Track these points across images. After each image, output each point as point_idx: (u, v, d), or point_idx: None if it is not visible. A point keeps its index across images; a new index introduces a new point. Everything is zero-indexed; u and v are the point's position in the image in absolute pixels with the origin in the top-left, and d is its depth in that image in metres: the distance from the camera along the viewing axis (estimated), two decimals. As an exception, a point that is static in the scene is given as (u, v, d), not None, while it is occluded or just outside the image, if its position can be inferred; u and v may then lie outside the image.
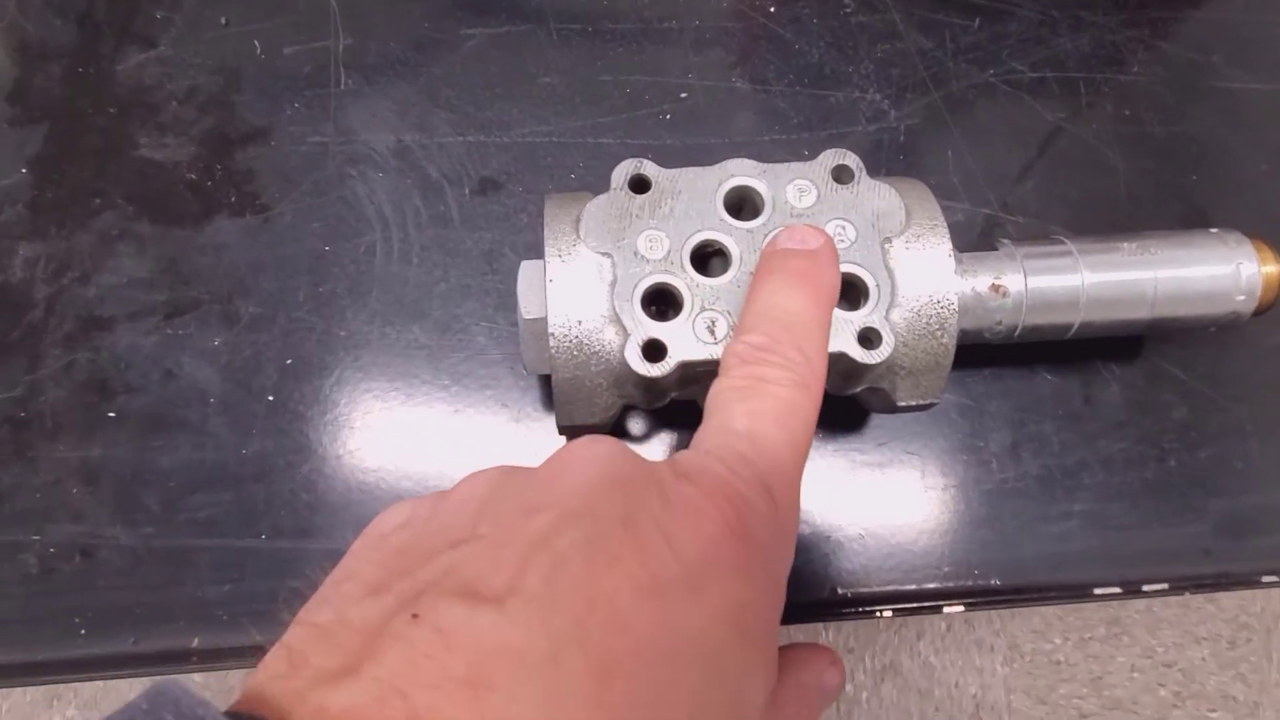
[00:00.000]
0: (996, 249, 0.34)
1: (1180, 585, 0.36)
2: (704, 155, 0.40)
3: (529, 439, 0.37)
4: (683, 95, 0.41)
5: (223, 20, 0.40)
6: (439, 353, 0.37)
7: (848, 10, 0.42)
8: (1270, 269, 0.33)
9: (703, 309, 0.29)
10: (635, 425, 0.37)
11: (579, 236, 0.30)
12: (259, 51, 0.40)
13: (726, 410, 0.23)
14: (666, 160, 0.39)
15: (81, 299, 0.37)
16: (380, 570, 0.20)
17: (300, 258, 0.38)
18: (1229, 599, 1.32)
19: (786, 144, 0.40)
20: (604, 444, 0.22)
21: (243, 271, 0.38)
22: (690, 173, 0.31)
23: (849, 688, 1.24)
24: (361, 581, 0.20)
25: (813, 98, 0.41)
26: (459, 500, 0.22)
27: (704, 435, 0.23)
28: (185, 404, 0.36)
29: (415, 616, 0.18)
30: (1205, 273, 0.33)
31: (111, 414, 0.36)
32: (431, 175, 0.39)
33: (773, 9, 0.42)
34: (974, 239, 0.40)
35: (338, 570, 0.21)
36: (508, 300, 0.38)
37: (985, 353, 0.37)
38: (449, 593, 0.18)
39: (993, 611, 1.28)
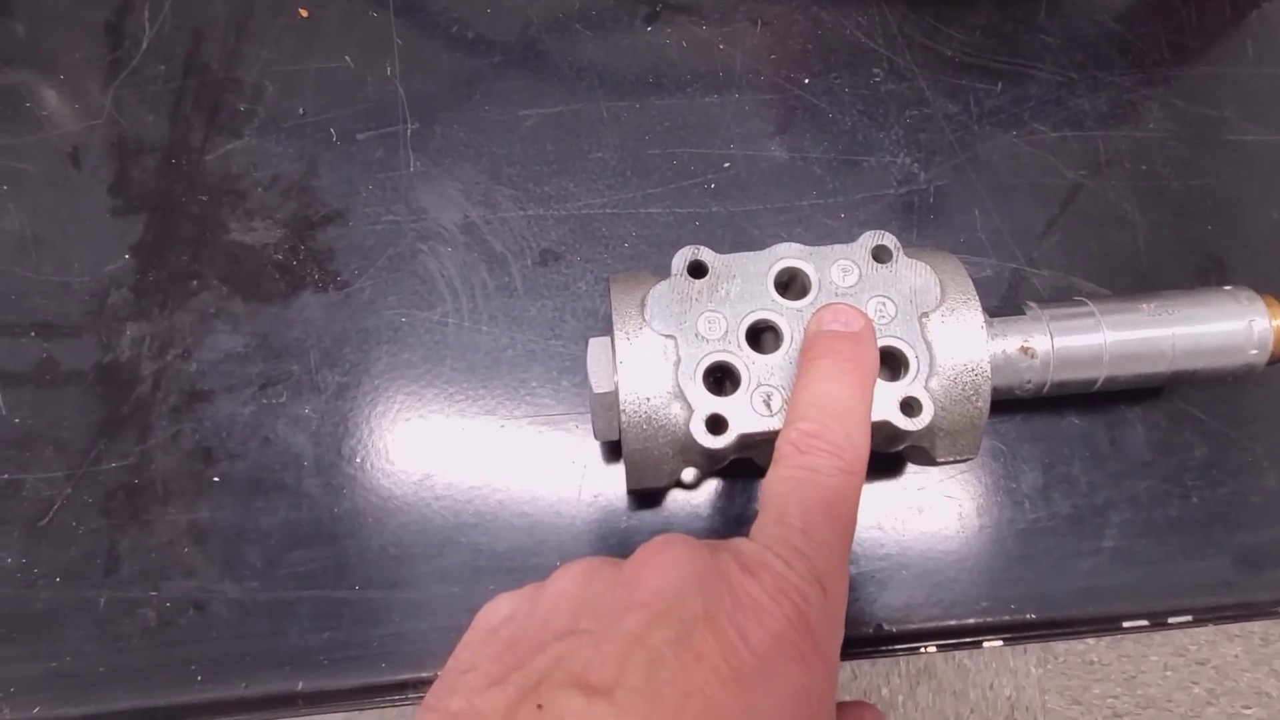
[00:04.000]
0: (1024, 312, 0.37)
1: (1203, 617, 0.39)
2: (747, 221, 0.43)
3: (596, 490, 0.40)
4: (726, 165, 0.44)
5: (300, 111, 0.44)
6: (509, 414, 0.41)
7: (877, 79, 0.45)
8: (1280, 324, 0.36)
9: (759, 384, 0.32)
10: (687, 473, 0.40)
11: (644, 320, 0.33)
12: (335, 139, 0.44)
13: (782, 503, 0.26)
14: (712, 226, 0.43)
15: (184, 374, 0.41)
16: (497, 663, 0.23)
17: (380, 329, 0.42)
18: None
19: (823, 208, 0.43)
20: (678, 546, 0.25)
21: (328, 343, 0.41)
22: (743, 257, 0.34)
23: (885, 691, 1.27)
24: (483, 673, 0.23)
25: (847, 163, 0.44)
26: (556, 595, 0.25)
27: (763, 526, 0.26)
28: (282, 468, 0.40)
29: (540, 707, 0.21)
30: (1220, 329, 0.36)
31: (216, 479, 0.40)
32: (496, 248, 0.43)
33: (807, 81, 0.45)
34: (1002, 292, 0.43)
35: (456, 660, 0.25)
36: (571, 364, 0.41)
37: (1016, 401, 0.39)
38: (563, 684, 0.21)
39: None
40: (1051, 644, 1.30)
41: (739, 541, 0.26)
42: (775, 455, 0.28)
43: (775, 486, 0.27)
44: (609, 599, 0.24)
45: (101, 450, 0.40)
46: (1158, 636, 1.31)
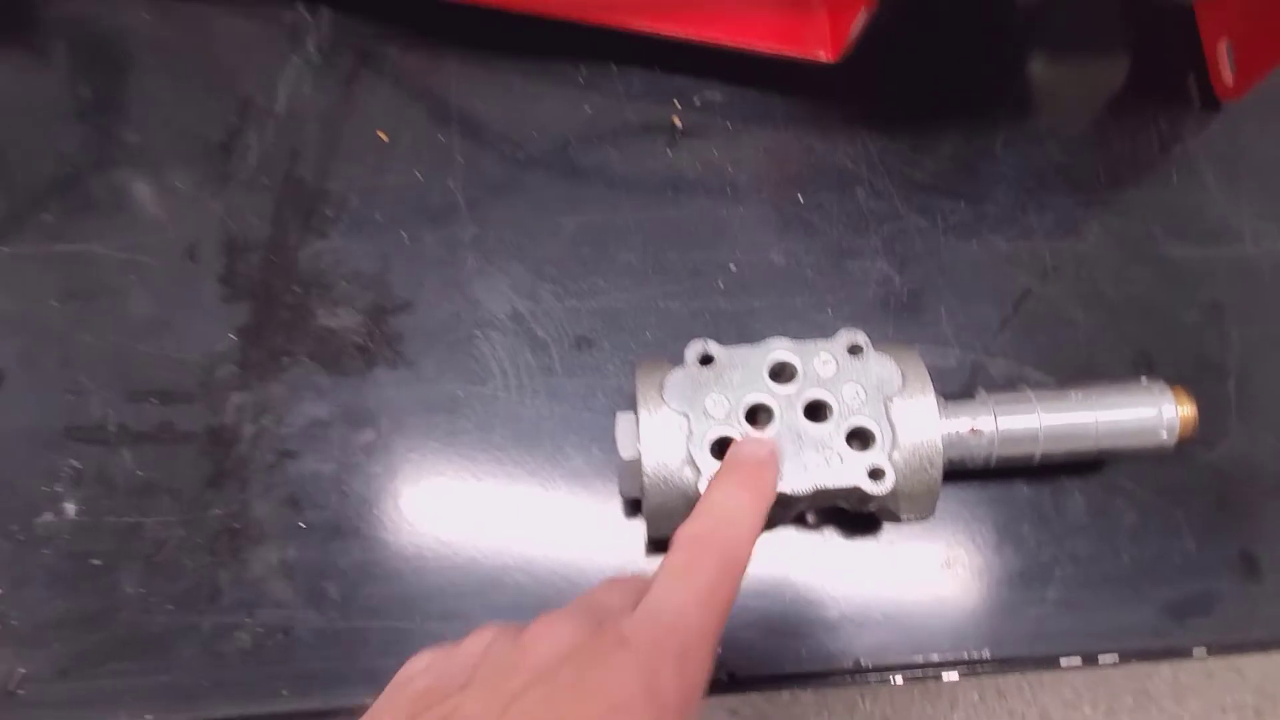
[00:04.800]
0: (974, 397, 0.45)
1: (1128, 656, 0.46)
2: (750, 316, 0.51)
3: (616, 540, 0.48)
4: (732, 267, 0.52)
5: (378, 217, 0.53)
6: (547, 475, 0.49)
7: (860, 198, 0.53)
8: (1185, 411, 0.44)
9: (754, 454, 0.40)
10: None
11: (663, 399, 0.41)
12: (406, 240, 0.52)
13: (666, 587, 0.31)
14: (719, 319, 0.51)
15: (277, 436, 0.49)
16: (402, 712, 0.29)
17: (440, 401, 0.50)
18: (1254, 668, 1.37)
19: (814, 305, 0.52)
20: (566, 621, 0.30)
21: (397, 412, 0.49)
22: (743, 350, 0.43)
23: (884, 749, 1.30)
24: (395, 717, 0.29)
25: (834, 267, 0.52)
26: (464, 654, 0.31)
27: (646, 602, 0.31)
28: (357, 516, 0.48)
29: None
30: (1135, 415, 0.44)
31: (302, 525, 0.48)
32: (539, 335, 0.51)
33: (801, 198, 0.53)
34: (964, 377, 0.51)
35: (377, 708, 0.31)
36: (600, 434, 0.49)
37: (972, 471, 0.47)
38: None
39: (1024, 682, 1.34)
40: (1050, 713, 1.34)
41: (622, 618, 0.31)
42: (672, 543, 0.33)
43: (664, 572, 0.32)
44: (505, 661, 0.30)
45: (208, 499, 0.48)
46: (1152, 708, 1.35)
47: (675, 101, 0.55)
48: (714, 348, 0.43)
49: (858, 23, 0.46)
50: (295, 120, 0.54)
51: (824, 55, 0.51)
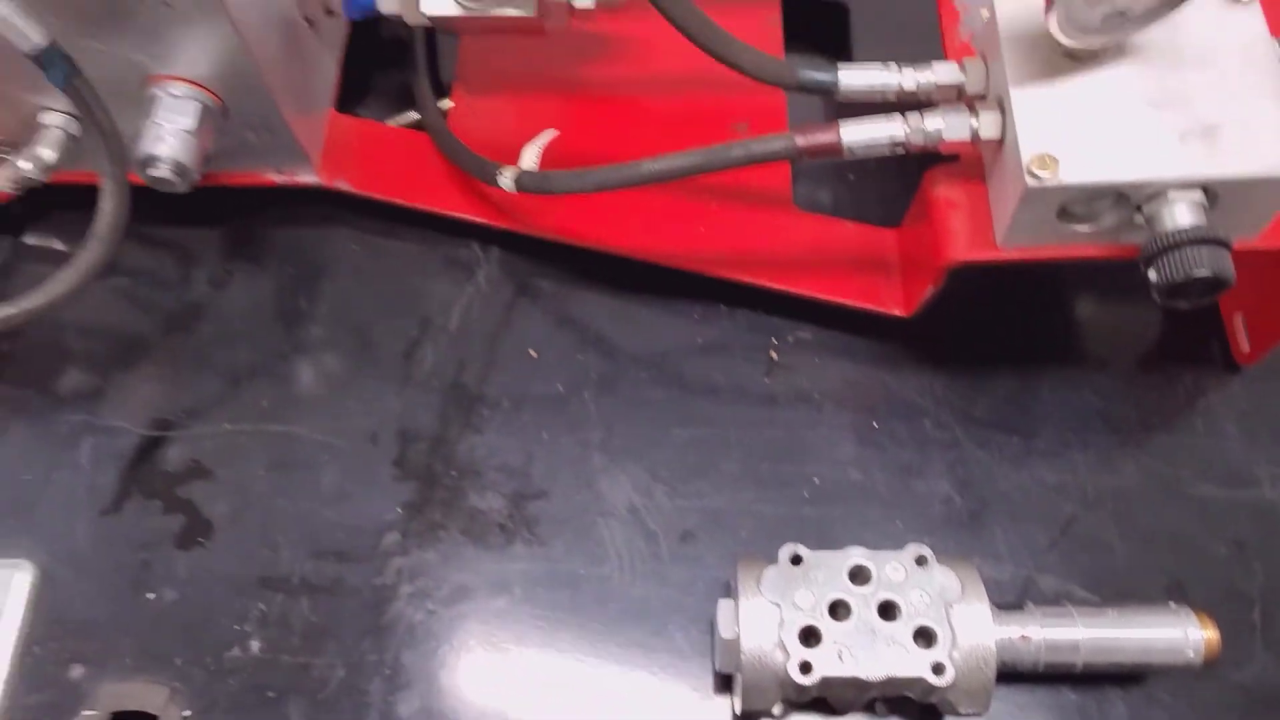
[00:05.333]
0: (1023, 609, 0.52)
1: None
2: (829, 523, 0.60)
3: (705, 710, 0.55)
4: (816, 480, 0.62)
5: (524, 418, 0.64)
6: (652, 648, 0.57)
7: (926, 428, 0.63)
8: (1209, 634, 0.51)
9: (835, 643, 0.48)
10: (776, 708, 0.55)
11: (759, 591, 0.50)
12: (546, 439, 0.63)
13: None
14: (804, 524, 0.60)
15: (429, 597, 0.59)
16: None
17: (564, 578, 0.59)
18: None
19: (885, 517, 0.61)
20: None
21: (528, 585, 0.59)
22: (826, 554, 0.52)
23: None
24: None
25: (903, 486, 0.61)
26: None
27: None
28: (490, 671, 0.56)
29: None
30: (1164, 634, 0.51)
31: (443, 674, 0.56)
32: (650, 527, 0.61)
33: (876, 425, 0.63)
34: (1016, 589, 0.58)
35: None
36: (698, 617, 0.57)
37: (1023, 675, 0.54)
38: None
39: None
40: None
41: None
42: None
43: None
44: None
45: (366, 647, 0.57)
46: None
47: (773, 338, 0.67)
48: (803, 550, 0.52)
49: (926, 294, 0.57)
50: (464, 336, 0.67)
51: (898, 311, 0.62)
